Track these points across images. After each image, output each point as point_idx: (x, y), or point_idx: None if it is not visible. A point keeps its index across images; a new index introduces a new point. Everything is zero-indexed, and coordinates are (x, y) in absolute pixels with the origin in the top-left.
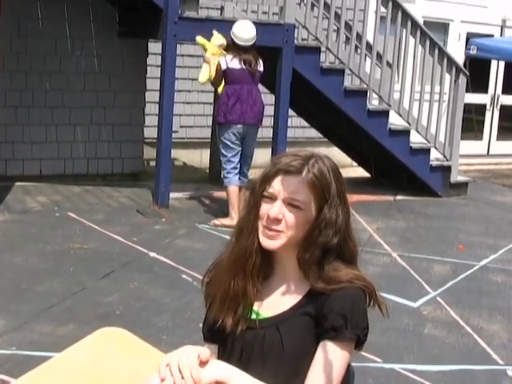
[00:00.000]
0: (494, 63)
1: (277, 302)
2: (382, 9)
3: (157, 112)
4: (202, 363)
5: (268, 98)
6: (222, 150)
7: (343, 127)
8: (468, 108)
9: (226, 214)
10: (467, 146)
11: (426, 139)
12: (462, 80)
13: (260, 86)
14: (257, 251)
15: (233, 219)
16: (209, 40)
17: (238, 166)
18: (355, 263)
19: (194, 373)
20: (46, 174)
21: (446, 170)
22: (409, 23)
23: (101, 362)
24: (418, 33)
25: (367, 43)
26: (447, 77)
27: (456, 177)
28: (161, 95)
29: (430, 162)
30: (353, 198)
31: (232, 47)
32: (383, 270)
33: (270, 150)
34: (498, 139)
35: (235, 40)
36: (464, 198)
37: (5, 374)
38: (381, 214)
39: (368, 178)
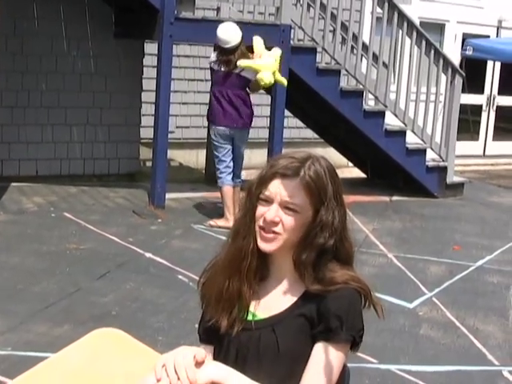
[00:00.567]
0: (490, 64)
1: (272, 303)
2: (378, 9)
3: (153, 112)
4: (198, 364)
5: (264, 99)
6: (214, 151)
7: (339, 128)
8: (464, 109)
9: (221, 215)
10: (463, 147)
11: (422, 140)
12: (458, 81)
13: None
14: (253, 253)
15: (228, 220)
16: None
17: (231, 165)
18: (351, 264)
19: (189, 373)
20: (42, 174)
21: (442, 170)
22: (405, 24)
23: (97, 363)
24: (414, 33)
25: (363, 44)
26: (443, 77)
27: (452, 177)
28: (157, 96)
29: (426, 163)
30: (349, 198)
31: (217, 48)
32: (379, 271)
33: (266, 150)
34: (494, 140)
35: (218, 42)
36: (460, 198)
37: (0, 374)
38: (377, 214)
39: (364, 179)
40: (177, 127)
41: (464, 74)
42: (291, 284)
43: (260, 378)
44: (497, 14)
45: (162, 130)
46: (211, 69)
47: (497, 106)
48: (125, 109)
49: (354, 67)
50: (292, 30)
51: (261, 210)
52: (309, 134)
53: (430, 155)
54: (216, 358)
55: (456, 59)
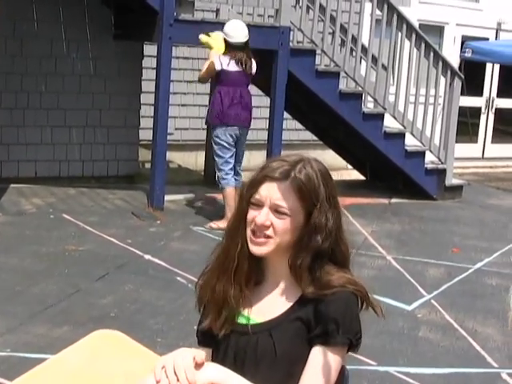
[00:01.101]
0: (489, 66)
1: (269, 307)
2: (378, 12)
3: (152, 114)
4: (198, 365)
5: (263, 101)
6: (219, 152)
7: (338, 130)
8: (463, 111)
9: (221, 217)
10: (462, 149)
11: (421, 142)
12: (457, 83)
13: (255, 89)
14: (242, 256)
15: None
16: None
17: (233, 167)
18: (347, 266)
19: (189, 375)
20: (41, 175)
21: (441, 173)
22: (404, 26)
23: (96, 364)
24: (414, 36)
25: (362, 46)
26: (442, 80)
27: (451, 180)
28: (156, 97)
29: (425, 165)
30: (348, 200)
31: (228, 48)
32: (378, 273)
33: (265, 152)
34: (492, 142)
35: (229, 40)
36: (459, 201)
37: (0, 376)
38: (376, 216)
39: (363, 181)
40: (176, 129)
41: (463, 77)
42: (287, 288)
43: (257, 382)
44: (496, 16)
45: (161, 131)
46: (222, 70)
47: (496, 109)
48: (124, 110)
49: (353, 69)
50: (291, 32)
51: (252, 213)
52: (308, 136)
53: (429, 157)
54: (214, 361)
55: (455, 62)
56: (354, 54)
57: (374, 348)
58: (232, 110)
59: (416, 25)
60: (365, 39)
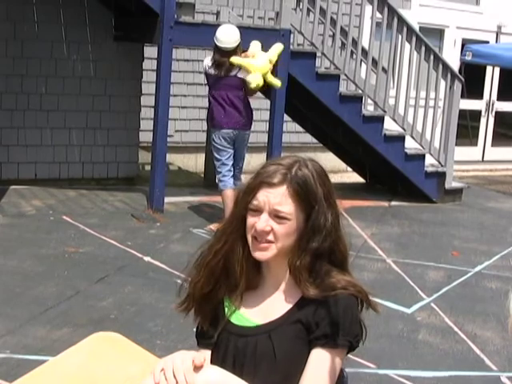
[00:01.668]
0: (489, 69)
1: (269, 309)
2: (378, 14)
3: (152, 116)
4: (197, 368)
5: (263, 103)
6: (215, 154)
7: (338, 132)
8: (463, 114)
9: (220, 219)
10: (462, 152)
11: (421, 145)
12: (458, 86)
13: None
14: (239, 260)
15: None
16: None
17: (232, 168)
18: (346, 266)
19: (188, 377)
20: (40, 177)
21: (441, 175)
22: (404, 29)
23: (95, 367)
24: (414, 39)
25: (363, 49)
26: (442, 83)
27: (451, 183)
28: (156, 99)
29: (425, 168)
30: (347, 203)
31: (214, 49)
32: (377, 276)
33: (265, 155)
34: (492, 145)
35: (217, 44)
36: (459, 204)
37: None
38: (375, 219)
39: (363, 184)
40: (176, 131)
41: (463, 80)
42: (287, 290)
43: (256, 383)
44: (496, 19)
45: (161, 133)
46: (207, 74)
47: (496, 112)
48: (124, 112)
49: (354, 72)
50: (291, 35)
51: (251, 220)
52: (308, 138)
53: (429, 160)
54: (213, 363)
55: (455, 64)
56: (354, 56)
57: (373, 351)
58: (221, 113)
59: (416, 28)
60: (365, 42)
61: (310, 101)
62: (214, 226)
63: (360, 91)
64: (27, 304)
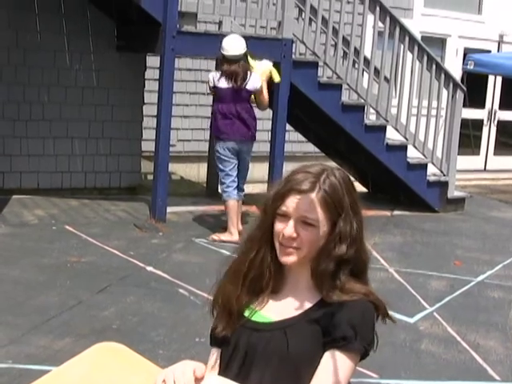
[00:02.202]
0: (491, 78)
1: (286, 307)
2: (380, 24)
3: (154, 126)
4: (198, 380)
5: (265, 113)
6: (220, 165)
7: (340, 142)
8: (465, 123)
9: (223, 229)
10: (464, 162)
11: (424, 154)
12: (460, 95)
13: None
14: (265, 265)
15: (231, 234)
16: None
17: (237, 179)
18: (366, 275)
19: None
20: (43, 187)
21: (443, 185)
22: (406, 38)
23: (97, 377)
24: (416, 48)
25: (365, 58)
26: (444, 92)
27: (453, 192)
28: (158, 109)
29: (427, 178)
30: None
31: (220, 61)
32: (380, 286)
33: (268, 164)
34: (495, 154)
35: (223, 53)
36: (461, 213)
37: None
38: (378, 229)
39: (365, 193)
40: (178, 140)
41: (465, 89)
42: (307, 291)
43: (266, 380)
44: (498, 28)
45: (164, 143)
46: (216, 87)
47: (498, 121)
48: (126, 122)
49: (356, 81)
50: (294, 44)
51: (279, 226)
52: (310, 148)
53: (431, 170)
54: (223, 357)
55: (457, 74)
56: (356, 66)
57: (376, 360)
58: (227, 125)
59: (418, 37)
60: (367, 51)
61: (312, 110)
62: (216, 236)
63: (362, 100)
64: (29, 313)
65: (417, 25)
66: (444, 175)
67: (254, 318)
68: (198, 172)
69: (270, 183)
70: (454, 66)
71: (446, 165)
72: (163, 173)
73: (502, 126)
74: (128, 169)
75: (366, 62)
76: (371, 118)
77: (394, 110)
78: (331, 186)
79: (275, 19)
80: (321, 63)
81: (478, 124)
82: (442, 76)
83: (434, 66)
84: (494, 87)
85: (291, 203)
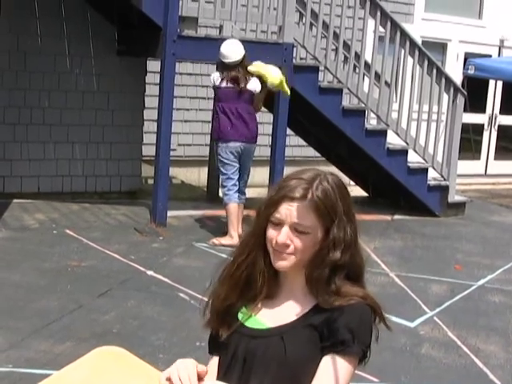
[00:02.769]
0: (491, 83)
1: (282, 313)
2: (381, 28)
3: (155, 130)
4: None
5: (266, 117)
6: (221, 168)
7: (341, 146)
8: (466, 128)
9: (223, 233)
10: (465, 166)
11: (424, 159)
12: (460, 100)
13: None
14: (259, 271)
15: (232, 238)
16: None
17: (238, 183)
18: (362, 279)
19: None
20: (43, 191)
21: (444, 189)
22: (407, 43)
23: (98, 381)
24: (417, 52)
25: (365, 63)
26: (445, 96)
27: (453, 196)
28: (159, 113)
29: (428, 182)
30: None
31: (220, 66)
32: (380, 290)
33: (268, 168)
34: (495, 159)
35: (223, 60)
36: (461, 217)
37: None
38: (378, 233)
39: (365, 197)
40: (179, 145)
41: (466, 93)
42: (303, 297)
43: None
44: (499, 33)
45: (164, 147)
46: (217, 87)
47: (498, 126)
48: (127, 126)
49: (356, 86)
50: (294, 49)
51: (272, 232)
52: (310, 152)
53: (432, 174)
54: (222, 364)
55: (458, 78)
56: (357, 70)
57: (376, 364)
58: (228, 126)
59: (419, 42)
60: (368, 56)
61: (313, 115)
62: (216, 240)
63: (363, 105)
64: (30, 317)
65: (417, 29)
66: (444, 180)
67: (250, 325)
68: (198, 176)
69: (270, 187)
70: (455, 71)
71: (446, 169)
72: (164, 177)
73: (503, 131)
74: (128, 173)
75: (367, 66)
76: (372, 122)
77: (394, 115)
78: (324, 192)
79: (276, 24)
80: (321, 68)
81: (478, 128)
82: (443, 80)
83: (434, 71)
84: (494, 92)
85: (284, 210)
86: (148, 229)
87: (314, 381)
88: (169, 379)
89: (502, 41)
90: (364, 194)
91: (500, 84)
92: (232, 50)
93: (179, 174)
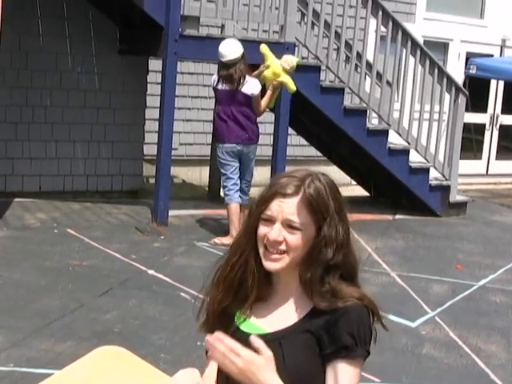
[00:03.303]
0: (493, 83)
1: (279, 318)
2: (382, 28)
3: (156, 129)
4: None
5: (268, 117)
6: (221, 169)
7: (342, 146)
8: (467, 127)
9: (225, 233)
10: (466, 166)
11: (426, 159)
12: (462, 99)
13: None
14: (252, 271)
15: (233, 238)
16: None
17: (239, 182)
18: (356, 279)
19: None
20: (45, 190)
21: (445, 189)
22: (409, 43)
23: (99, 381)
24: (418, 52)
25: (367, 62)
26: (447, 96)
27: (455, 196)
28: (161, 112)
29: (429, 182)
30: (352, 216)
31: (219, 66)
32: (382, 290)
33: (270, 168)
34: (497, 159)
35: (220, 59)
36: (463, 217)
37: None
38: (379, 233)
39: (367, 197)
40: (180, 144)
41: (467, 93)
42: (298, 300)
43: None
44: (500, 32)
45: (166, 146)
46: (214, 89)
47: (500, 125)
48: (128, 125)
49: (358, 86)
50: (296, 48)
51: (263, 229)
52: (312, 151)
53: (433, 174)
54: (221, 371)
55: (459, 78)
56: (358, 70)
57: (377, 364)
58: (223, 128)
59: (421, 41)
60: (369, 55)
61: (315, 114)
62: (218, 240)
63: (364, 105)
64: (31, 317)
65: (419, 29)
66: (446, 179)
67: (246, 329)
68: (199, 175)
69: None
70: (456, 71)
71: (448, 169)
72: (165, 176)
73: (504, 131)
74: (130, 172)
75: (369, 66)
76: (373, 122)
77: (396, 114)
78: (316, 190)
79: (277, 23)
80: (323, 67)
81: (480, 128)
82: (445, 80)
83: (436, 70)
84: (496, 91)
85: (276, 207)
86: (149, 228)
87: None
88: None
89: (503, 40)
90: (365, 193)
91: (502, 84)
92: (229, 49)
93: (181, 173)
